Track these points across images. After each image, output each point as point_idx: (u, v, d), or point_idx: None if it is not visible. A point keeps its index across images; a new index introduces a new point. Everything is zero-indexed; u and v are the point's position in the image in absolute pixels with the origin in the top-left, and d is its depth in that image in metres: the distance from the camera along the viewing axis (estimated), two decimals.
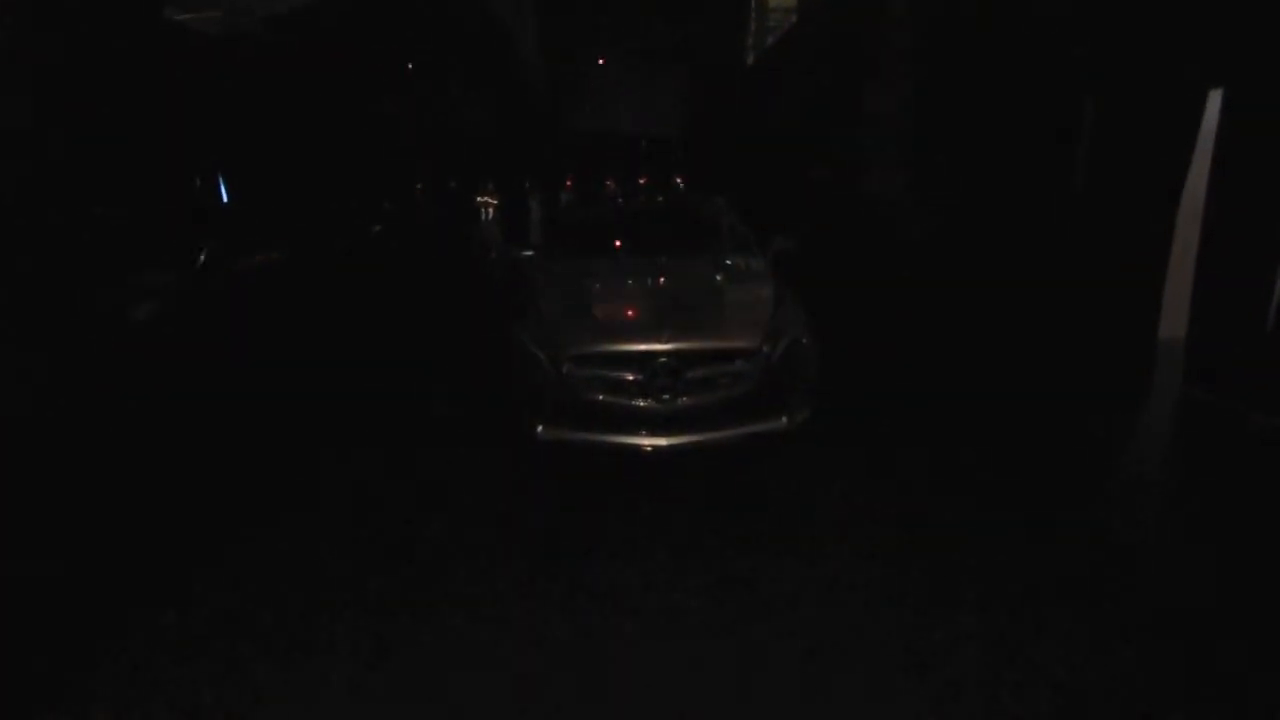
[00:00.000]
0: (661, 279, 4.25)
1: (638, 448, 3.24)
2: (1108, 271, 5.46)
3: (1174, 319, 5.25)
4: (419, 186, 15.85)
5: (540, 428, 3.38)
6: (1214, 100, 4.75)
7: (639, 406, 3.26)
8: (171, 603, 2.49)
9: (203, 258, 4.98)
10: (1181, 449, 3.99)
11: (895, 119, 8.51)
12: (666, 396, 3.24)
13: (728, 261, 4.48)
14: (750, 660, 2.16)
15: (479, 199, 16.95)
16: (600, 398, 3.29)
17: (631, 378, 3.26)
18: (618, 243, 5.13)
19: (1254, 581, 2.56)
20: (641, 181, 28.53)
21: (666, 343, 3.28)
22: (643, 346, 3.29)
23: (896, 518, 3.03)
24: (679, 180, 26.69)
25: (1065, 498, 3.22)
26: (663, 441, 3.23)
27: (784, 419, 3.38)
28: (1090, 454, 3.76)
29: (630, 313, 3.69)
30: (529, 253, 5.05)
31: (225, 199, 11.07)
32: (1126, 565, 2.66)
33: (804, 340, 3.52)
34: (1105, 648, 2.17)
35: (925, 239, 7.76)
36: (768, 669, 2.12)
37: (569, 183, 23.91)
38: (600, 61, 24.14)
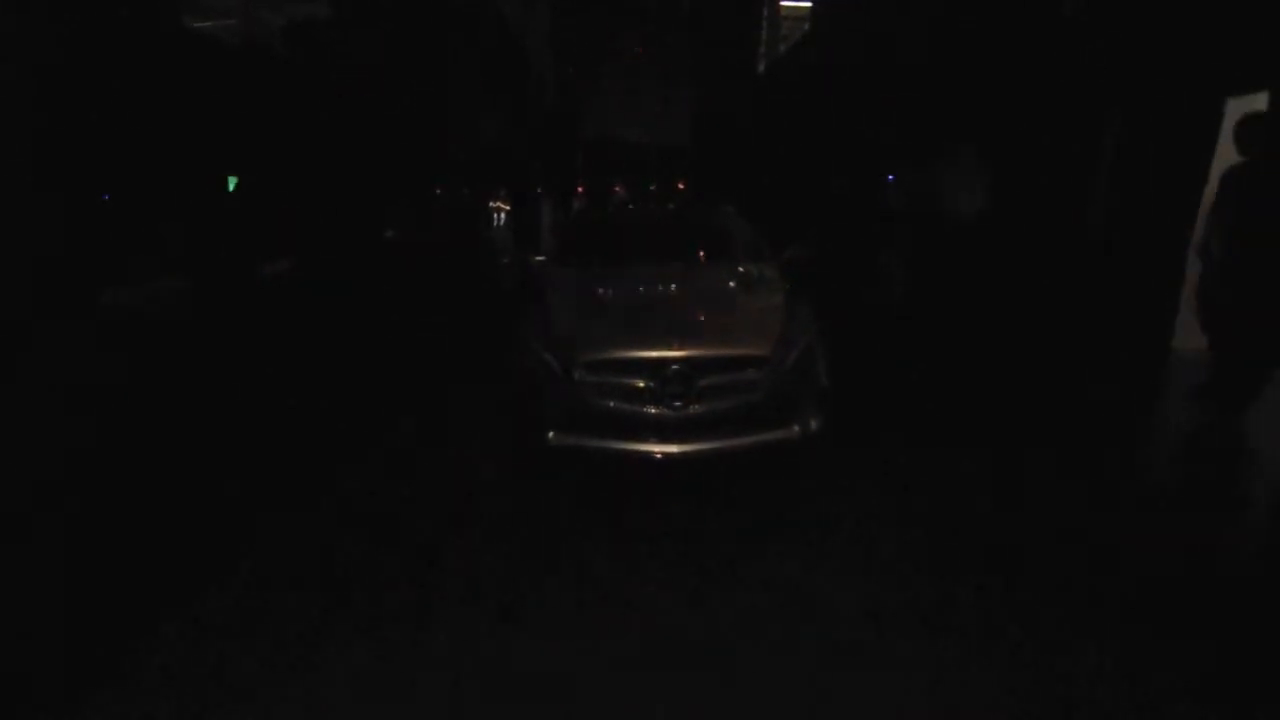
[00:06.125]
0: (673, 286, 4.23)
1: (649, 455, 3.22)
2: (1125, 280, 5.41)
3: (1190, 330, 5.19)
4: (432, 192, 15.94)
5: (551, 434, 3.38)
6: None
7: (650, 414, 3.25)
8: None
9: (218, 264, 5.03)
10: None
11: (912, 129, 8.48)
12: (678, 404, 3.23)
13: (740, 269, 4.46)
14: None
15: (492, 205, 17.02)
16: (611, 404, 3.28)
17: (643, 384, 3.25)
18: (629, 249, 5.11)
19: None
20: (652, 189, 28.61)
21: (678, 350, 3.27)
22: (655, 353, 3.28)
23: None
24: (688, 187, 26.76)
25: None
26: (674, 449, 3.22)
27: (796, 428, 3.36)
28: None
29: (642, 319, 3.67)
30: (541, 258, 5.05)
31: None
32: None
33: (816, 349, 3.50)
34: None
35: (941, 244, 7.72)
36: None
37: (580, 189, 24.01)
38: (612, 70, 24.27)
